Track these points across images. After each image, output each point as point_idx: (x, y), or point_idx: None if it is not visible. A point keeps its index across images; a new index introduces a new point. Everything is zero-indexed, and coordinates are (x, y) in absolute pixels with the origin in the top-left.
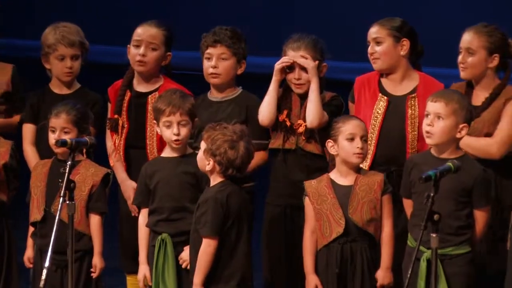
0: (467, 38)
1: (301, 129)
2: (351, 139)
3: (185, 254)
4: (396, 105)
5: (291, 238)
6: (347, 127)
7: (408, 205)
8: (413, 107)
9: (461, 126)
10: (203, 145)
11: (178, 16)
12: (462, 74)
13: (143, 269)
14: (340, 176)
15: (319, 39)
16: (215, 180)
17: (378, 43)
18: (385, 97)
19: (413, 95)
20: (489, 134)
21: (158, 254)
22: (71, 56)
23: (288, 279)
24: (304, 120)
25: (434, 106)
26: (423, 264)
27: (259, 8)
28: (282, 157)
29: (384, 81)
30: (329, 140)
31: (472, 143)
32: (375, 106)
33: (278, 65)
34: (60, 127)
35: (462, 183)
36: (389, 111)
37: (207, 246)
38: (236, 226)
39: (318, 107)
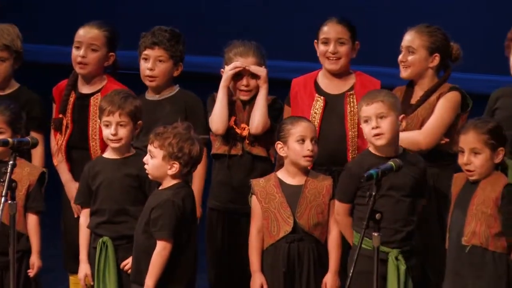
0: (408, 38)
1: (244, 133)
2: (302, 141)
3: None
4: (334, 104)
5: (233, 240)
6: (297, 129)
7: (344, 209)
8: (351, 104)
9: (400, 118)
10: (158, 153)
11: (120, 15)
12: (403, 74)
13: (84, 268)
14: (288, 176)
15: (259, 44)
16: (169, 182)
17: (342, 43)
18: (322, 97)
19: (351, 92)
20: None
21: (99, 257)
22: None
23: (233, 281)
24: (248, 124)
25: (373, 109)
26: (392, 264)
27: (197, 7)
28: (227, 163)
29: (320, 81)
30: (278, 142)
31: (401, 135)
32: (313, 107)
33: (230, 71)
34: None
35: (415, 178)
36: (327, 110)
37: (163, 249)
38: (188, 229)
39: (265, 114)
